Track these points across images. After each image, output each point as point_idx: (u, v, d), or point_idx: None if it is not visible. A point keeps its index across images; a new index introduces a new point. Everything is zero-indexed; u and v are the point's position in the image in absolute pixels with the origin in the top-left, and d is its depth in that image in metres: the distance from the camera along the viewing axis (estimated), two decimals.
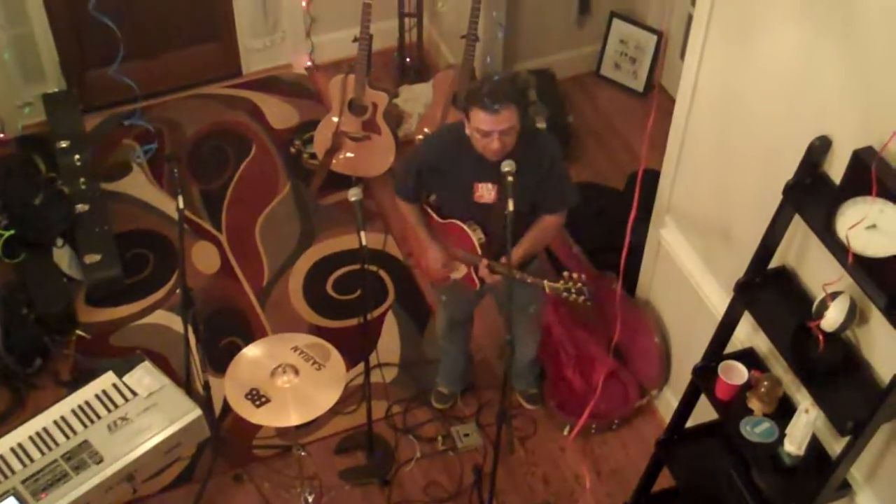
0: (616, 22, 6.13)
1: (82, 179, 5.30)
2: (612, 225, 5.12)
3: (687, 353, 4.35)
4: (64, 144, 5.35)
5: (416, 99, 5.91)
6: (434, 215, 4.11)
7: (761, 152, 3.54)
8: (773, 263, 3.53)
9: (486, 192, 3.85)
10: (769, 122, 3.45)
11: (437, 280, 4.32)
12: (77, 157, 5.33)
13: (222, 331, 5.06)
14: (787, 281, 3.52)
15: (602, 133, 5.98)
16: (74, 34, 5.76)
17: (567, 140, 5.71)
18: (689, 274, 4.19)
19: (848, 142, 3.04)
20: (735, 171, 3.74)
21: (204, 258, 5.40)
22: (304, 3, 6.05)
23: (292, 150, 5.83)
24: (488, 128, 3.62)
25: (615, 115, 6.09)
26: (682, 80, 3.88)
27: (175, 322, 5.03)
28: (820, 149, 3.16)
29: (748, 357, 3.76)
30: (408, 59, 6.21)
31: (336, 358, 3.85)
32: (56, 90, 5.73)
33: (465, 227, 3.99)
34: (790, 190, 3.23)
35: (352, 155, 5.48)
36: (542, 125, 5.52)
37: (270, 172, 5.80)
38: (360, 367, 4.38)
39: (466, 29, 5.19)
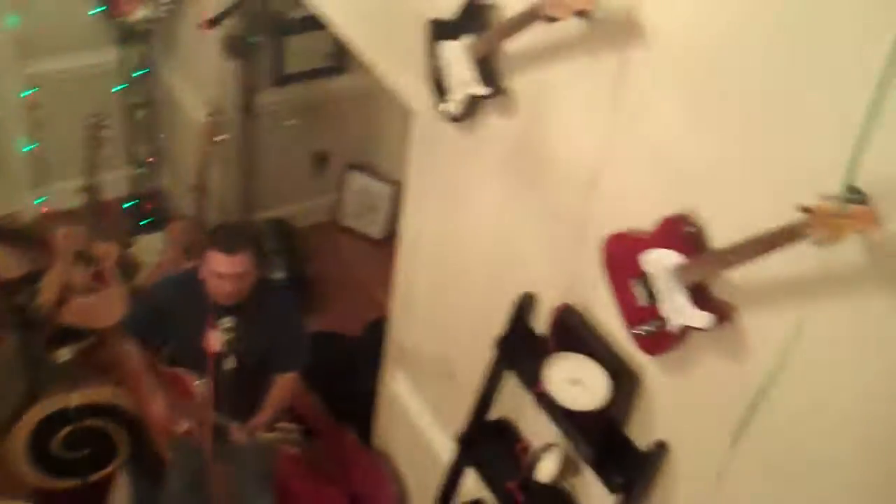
0: (352, 173, 6.26)
1: None
2: (349, 373, 5.14)
3: None
4: None
5: (152, 248, 5.79)
6: (159, 364, 4.01)
7: (477, 305, 3.65)
8: (495, 415, 3.63)
9: (214, 340, 3.80)
10: (481, 274, 3.58)
11: (161, 432, 4.19)
12: None
13: None
14: (506, 432, 3.61)
15: (344, 281, 6.03)
16: None
17: (306, 291, 5.72)
18: (419, 425, 4.23)
19: (552, 298, 3.19)
20: (455, 322, 3.85)
21: None
22: (30, 150, 5.86)
23: (19, 301, 5.56)
24: (224, 269, 3.61)
25: (356, 263, 6.16)
26: (404, 232, 4.00)
27: None
28: (526, 304, 3.30)
29: None
30: (148, 207, 6.10)
31: None
32: None
33: (188, 377, 3.91)
34: (500, 344, 3.35)
35: (81, 307, 5.28)
36: (280, 276, 5.53)
37: None
38: None
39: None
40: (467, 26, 3.19)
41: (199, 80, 5.52)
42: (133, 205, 6.12)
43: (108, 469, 4.92)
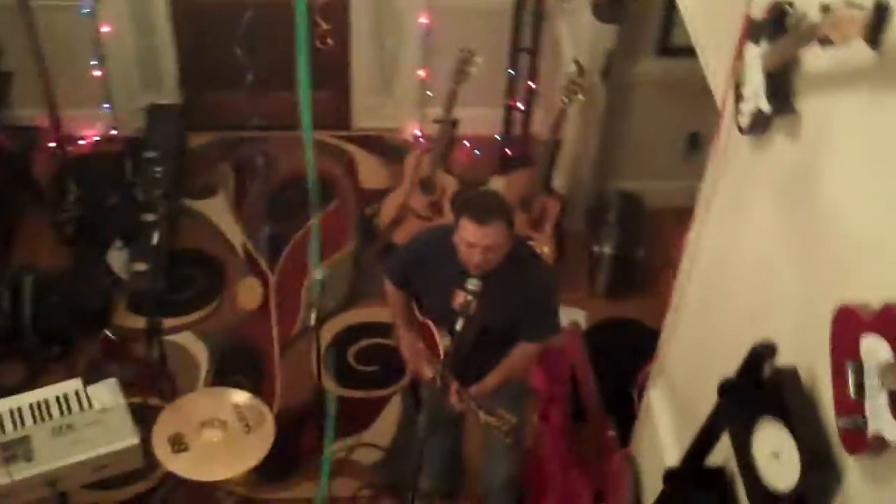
0: None
1: (158, 191, 5.47)
2: (638, 367, 4.89)
3: None
4: (150, 155, 5.55)
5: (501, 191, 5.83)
6: (417, 311, 4.05)
7: (731, 337, 3.28)
8: (717, 461, 3.28)
9: (459, 300, 3.76)
10: (740, 305, 3.22)
11: (412, 372, 4.25)
12: (159, 168, 5.51)
13: (235, 368, 5.12)
14: (721, 485, 3.24)
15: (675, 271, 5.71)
16: (198, 55, 5.99)
17: (632, 273, 5.50)
18: (662, 441, 3.94)
19: (787, 351, 2.79)
20: (710, 348, 3.50)
21: (247, 294, 5.49)
22: (421, 73, 6.07)
23: (368, 211, 5.86)
24: (474, 239, 3.54)
25: None
26: (688, 240, 3.69)
27: (195, 347, 5.16)
28: (761, 353, 2.91)
29: None
30: (508, 151, 6.13)
31: (269, 426, 3.84)
32: (167, 102, 5.96)
33: (435, 332, 3.91)
34: (724, 390, 2.99)
35: (413, 230, 5.45)
36: (609, 251, 5.37)
37: (341, 228, 5.85)
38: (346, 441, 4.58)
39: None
40: (771, 31, 2.80)
41: (576, 35, 5.40)
42: (499, 145, 6.16)
43: (388, 389, 5.10)
